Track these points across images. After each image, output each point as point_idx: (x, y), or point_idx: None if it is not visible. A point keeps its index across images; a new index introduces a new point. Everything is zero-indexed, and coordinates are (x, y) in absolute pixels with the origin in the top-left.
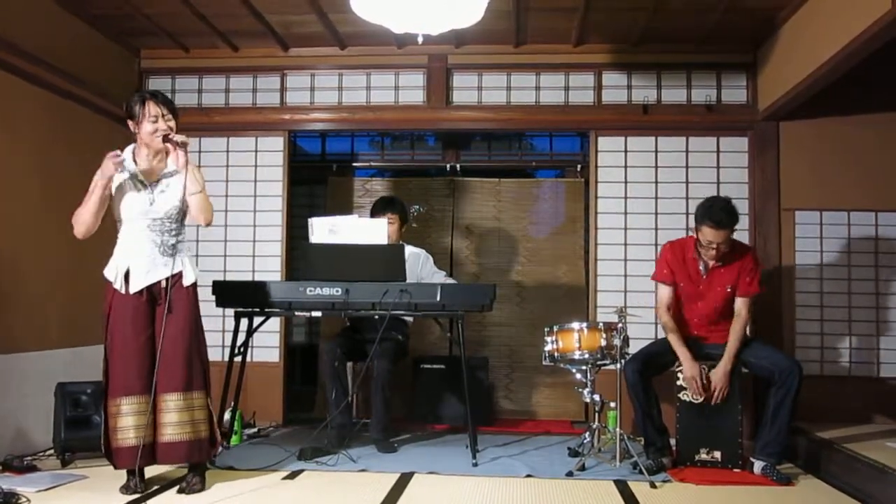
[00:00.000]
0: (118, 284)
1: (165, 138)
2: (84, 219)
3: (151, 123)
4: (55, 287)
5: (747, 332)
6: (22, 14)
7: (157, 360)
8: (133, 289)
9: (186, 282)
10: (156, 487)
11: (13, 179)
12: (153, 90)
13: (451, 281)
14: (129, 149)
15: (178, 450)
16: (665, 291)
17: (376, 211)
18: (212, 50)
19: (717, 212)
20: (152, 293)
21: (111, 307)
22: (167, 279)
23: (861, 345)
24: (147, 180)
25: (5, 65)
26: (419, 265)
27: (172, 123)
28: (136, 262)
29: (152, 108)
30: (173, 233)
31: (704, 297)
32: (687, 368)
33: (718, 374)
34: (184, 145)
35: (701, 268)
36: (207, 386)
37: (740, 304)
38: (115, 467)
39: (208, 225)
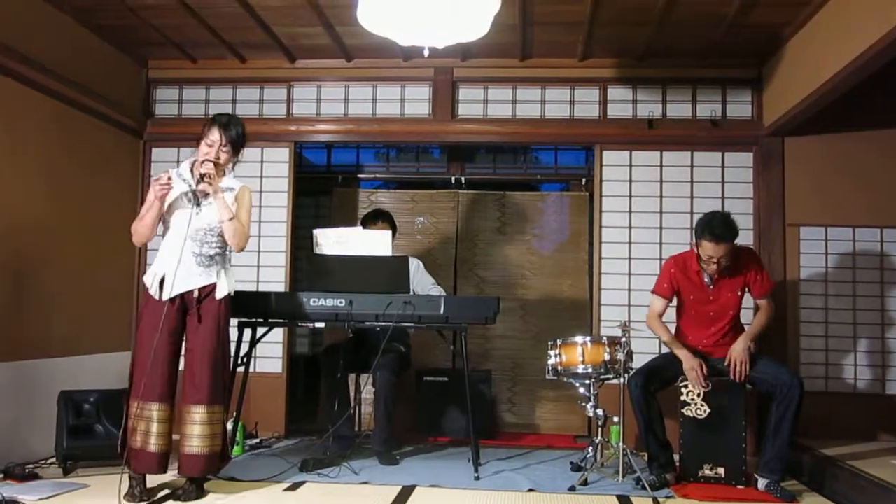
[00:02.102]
0: (153, 290)
1: (201, 168)
2: (140, 231)
3: (207, 147)
4: (59, 296)
5: (751, 348)
6: (30, 24)
7: (183, 370)
8: (165, 295)
9: (219, 294)
10: (162, 494)
11: (20, 188)
12: (230, 115)
13: (439, 289)
14: (189, 159)
15: (198, 462)
16: (659, 304)
17: (367, 223)
18: (219, 61)
19: (716, 226)
20: (185, 302)
21: (143, 311)
22: (199, 290)
23: (866, 361)
24: (198, 192)
25: (12, 73)
26: (412, 271)
27: (226, 156)
28: (171, 270)
29: (214, 134)
30: (214, 245)
31: (716, 305)
32: (686, 360)
33: (737, 348)
34: (206, 177)
35: (706, 279)
36: (227, 400)
37: (762, 302)
38: (134, 471)
39: (240, 251)
